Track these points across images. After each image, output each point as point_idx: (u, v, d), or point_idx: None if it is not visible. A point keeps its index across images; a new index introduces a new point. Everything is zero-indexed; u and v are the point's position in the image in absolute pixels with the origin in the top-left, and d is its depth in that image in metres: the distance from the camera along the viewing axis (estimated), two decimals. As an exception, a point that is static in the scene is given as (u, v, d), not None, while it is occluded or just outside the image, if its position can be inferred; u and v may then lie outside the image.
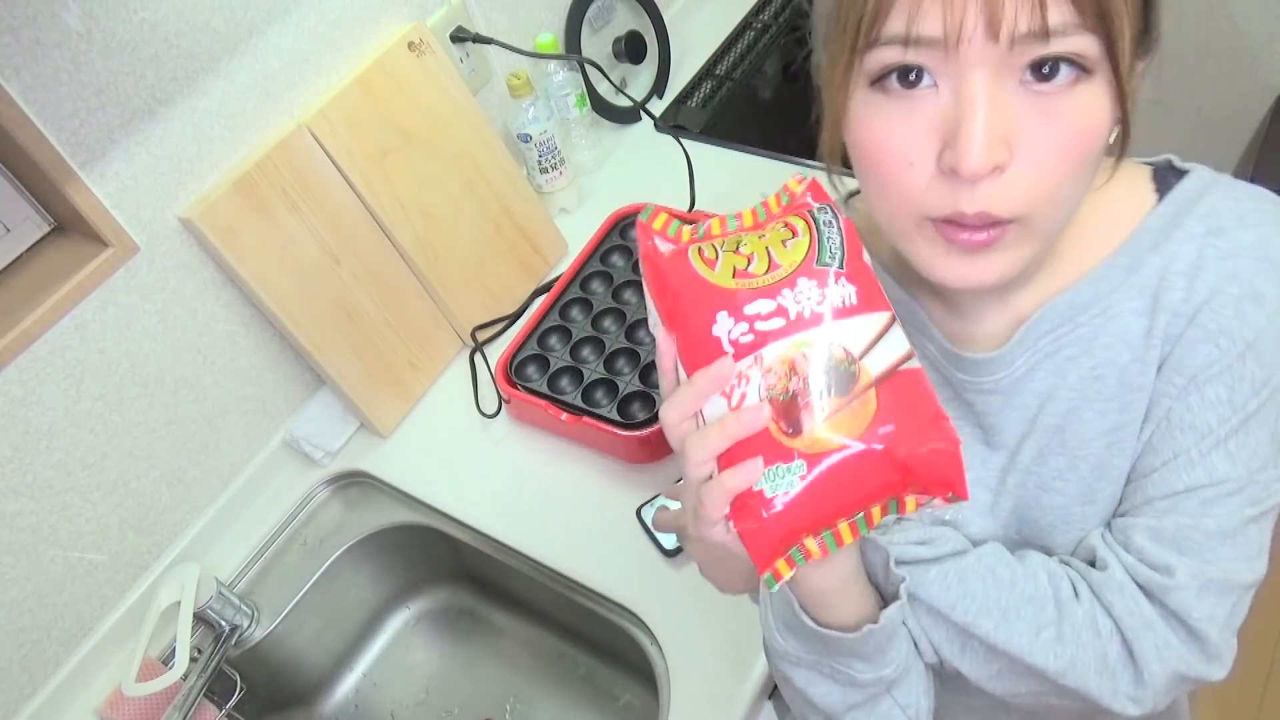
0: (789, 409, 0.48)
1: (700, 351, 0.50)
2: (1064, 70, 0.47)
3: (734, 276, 0.49)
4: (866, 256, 0.51)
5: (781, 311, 0.48)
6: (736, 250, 0.51)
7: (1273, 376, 0.56)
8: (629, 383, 1.11)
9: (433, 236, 1.18)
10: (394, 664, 1.24)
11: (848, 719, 0.62)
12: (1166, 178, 0.60)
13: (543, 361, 1.16)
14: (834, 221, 0.51)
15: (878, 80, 0.50)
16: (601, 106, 1.45)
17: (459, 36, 1.24)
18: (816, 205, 0.52)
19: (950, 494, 0.49)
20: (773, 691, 0.96)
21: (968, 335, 0.64)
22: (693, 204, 1.32)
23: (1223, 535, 0.57)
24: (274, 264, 1.05)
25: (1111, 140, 0.53)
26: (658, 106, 1.52)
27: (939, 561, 0.62)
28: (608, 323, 1.18)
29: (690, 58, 1.60)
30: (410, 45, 1.13)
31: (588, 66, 1.36)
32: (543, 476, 1.12)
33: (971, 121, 0.47)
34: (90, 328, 0.95)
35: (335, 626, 1.19)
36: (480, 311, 1.25)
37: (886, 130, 0.51)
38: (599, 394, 1.11)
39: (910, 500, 0.50)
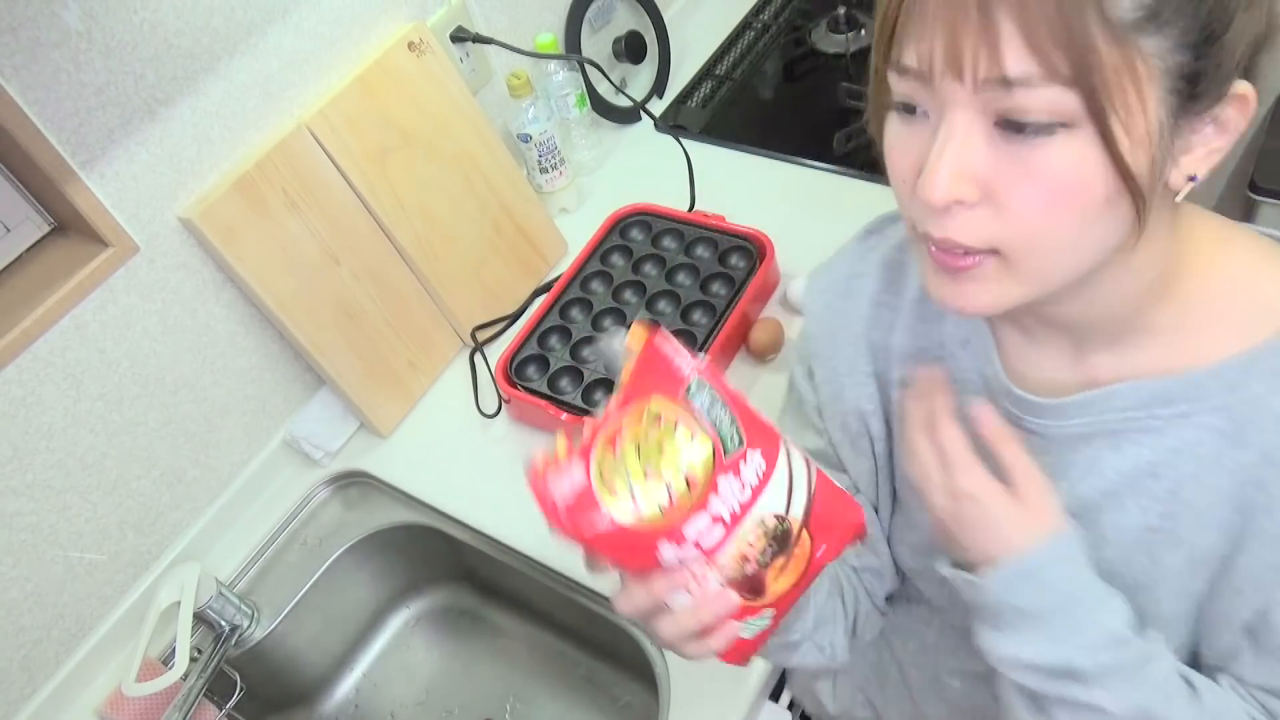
0: (750, 582, 0.54)
1: (651, 572, 0.53)
2: (1034, 123, 0.46)
3: (661, 511, 0.50)
4: (728, 381, 0.54)
5: (718, 519, 0.52)
6: (642, 466, 0.50)
7: None
8: (629, 383, 1.11)
9: (433, 236, 1.18)
10: (394, 664, 1.24)
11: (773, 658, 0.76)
12: None
13: (543, 361, 1.16)
14: (709, 393, 0.52)
15: (897, 102, 0.52)
16: (601, 106, 1.45)
17: (459, 36, 1.24)
18: (687, 386, 0.52)
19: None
20: (773, 691, 0.96)
21: (1033, 372, 0.63)
22: (693, 204, 1.32)
23: None
24: (274, 264, 1.05)
25: (1182, 190, 0.50)
26: (658, 106, 1.52)
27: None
28: (608, 323, 1.18)
29: (690, 58, 1.60)
30: (410, 45, 1.13)
31: (588, 66, 1.36)
32: (543, 476, 1.11)
33: (936, 157, 0.48)
34: (90, 328, 0.95)
35: (335, 626, 1.19)
36: (480, 311, 1.25)
37: (892, 150, 0.54)
38: (599, 394, 1.11)
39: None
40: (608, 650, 1.15)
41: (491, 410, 1.19)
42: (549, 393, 1.12)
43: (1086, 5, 0.44)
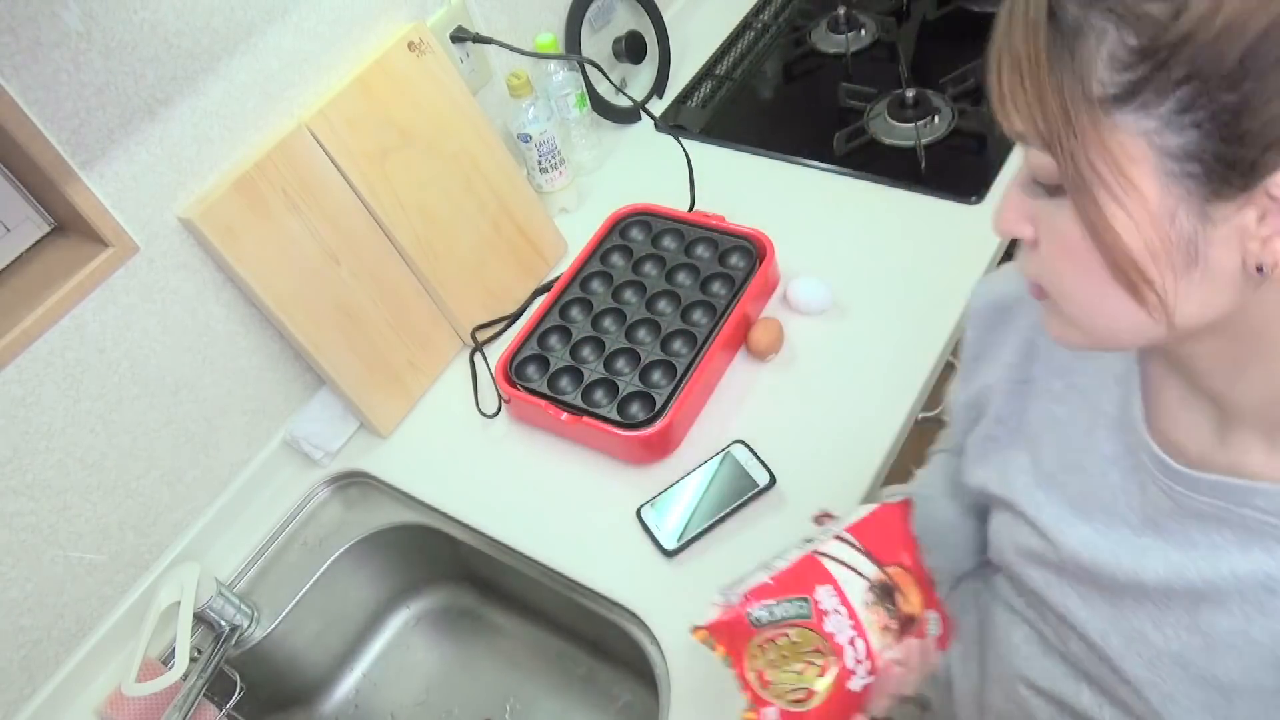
0: (903, 623, 0.69)
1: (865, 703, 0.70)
2: (1043, 182, 0.49)
3: (833, 680, 0.68)
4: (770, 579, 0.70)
5: (852, 640, 0.67)
6: (792, 676, 0.69)
7: None
8: (629, 383, 1.11)
9: (433, 236, 1.18)
10: (394, 664, 1.24)
11: None
12: None
13: (543, 361, 1.16)
14: (760, 609, 0.69)
15: None
16: (601, 106, 1.45)
17: (459, 36, 1.24)
18: (750, 621, 0.69)
19: None
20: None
21: (1177, 433, 0.60)
22: (693, 204, 1.32)
23: None
24: (274, 264, 1.05)
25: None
26: (658, 106, 1.52)
27: None
28: (608, 323, 1.18)
29: (690, 58, 1.60)
30: (410, 45, 1.13)
31: (588, 66, 1.36)
32: (543, 476, 1.12)
33: (1004, 193, 0.54)
34: (90, 328, 0.95)
35: (335, 626, 1.19)
36: (480, 311, 1.25)
37: None
38: (599, 394, 1.11)
39: None
40: (608, 650, 1.15)
41: (491, 410, 1.19)
42: (549, 393, 1.12)
43: (1065, 76, 0.44)
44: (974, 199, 1.24)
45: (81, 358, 0.95)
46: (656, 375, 1.11)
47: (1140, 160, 0.44)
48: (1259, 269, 0.46)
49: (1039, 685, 0.73)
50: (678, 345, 1.13)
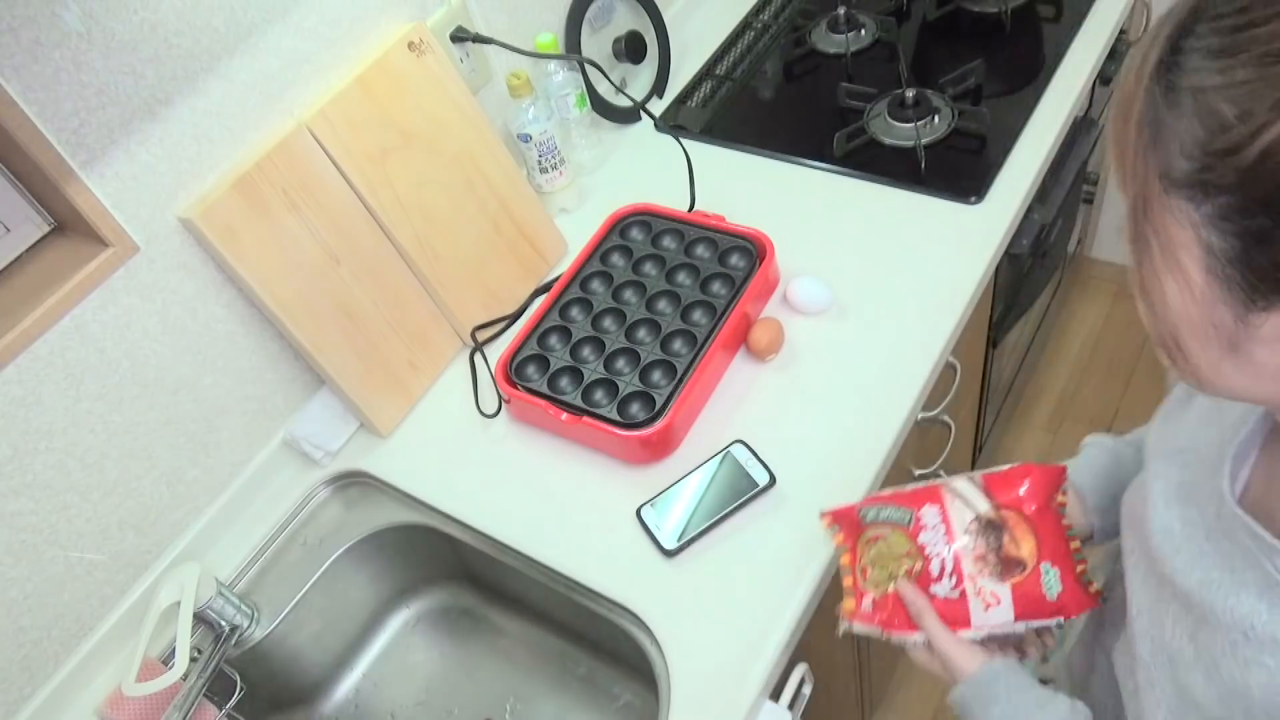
0: (1005, 564, 0.75)
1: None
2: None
3: (909, 575, 0.78)
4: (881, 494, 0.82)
5: (939, 553, 0.76)
6: (889, 567, 0.78)
7: None
8: (629, 383, 1.11)
9: (433, 236, 1.18)
10: (394, 664, 1.24)
11: None
12: None
13: (543, 361, 1.16)
14: (874, 510, 0.79)
15: None
16: (601, 106, 1.45)
17: (459, 36, 1.24)
18: (862, 517, 0.80)
19: None
20: (773, 691, 0.96)
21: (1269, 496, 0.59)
22: (693, 204, 1.32)
23: None
24: (274, 264, 1.05)
25: None
26: (658, 106, 1.52)
27: None
28: (608, 323, 1.18)
29: (690, 58, 1.60)
30: (410, 45, 1.14)
31: (588, 66, 1.36)
32: (543, 476, 1.12)
33: None
34: (90, 328, 0.95)
35: (335, 626, 1.19)
36: (480, 311, 1.25)
37: None
38: (599, 394, 1.11)
39: None
40: (608, 650, 1.15)
41: (491, 410, 1.19)
42: (549, 393, 1.12)
43: (1149, 152, 0.45)
44: (974, 199, 1.24)
45: (81, 358, 0.95)
46: (656, 375, 1.11)
47: (1189, 247, 0.45)
48: None
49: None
50: (678, 345, 1.13)
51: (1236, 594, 0.55)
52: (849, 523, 0.81)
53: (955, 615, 0.75)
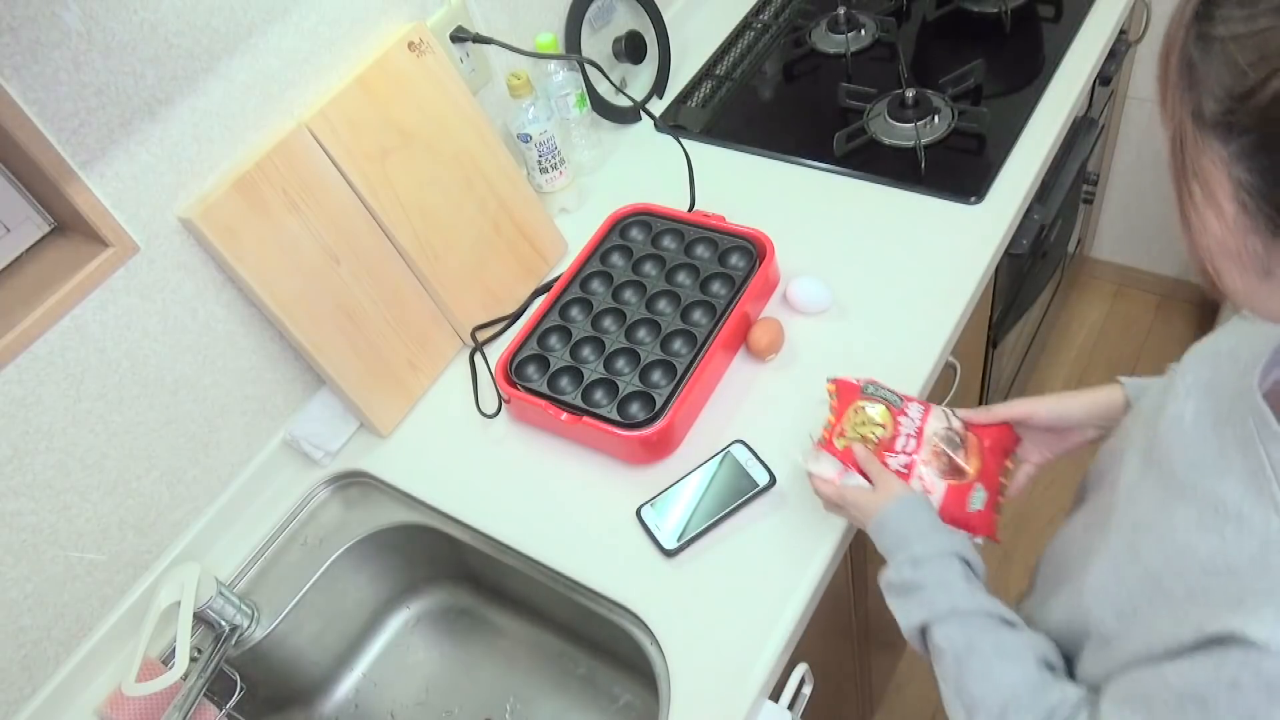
0: (952, 467, 0.89)
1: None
2: None
3: (877, 440, 0.90)
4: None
5: (910, 435, 0.90)
6: (859, 430, 0.91)
7: None
8: (629, 383, 1.11)
9: (433, 236, 1.18)
10: (394, 664, 1.24)
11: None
12: None
13: (543, 361, 1.16)
14: (874, 387, 0.94)
15: None
16: (601, 106, 1.45)
17: (459, 36, 1.24)
18: (862, 389, 0.94)
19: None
20: (773, 691, 0.96)
21: None
22: (692, 204, 1.32)
23: None
24: (274, 264, 1.05)
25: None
26: (658, 106, 1.53)
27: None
28: (608, 323, 1.18)
29: (690, 58, 1.60)
30: (410, 45, 1.14)
31: (588, 66, 1.36)
32: (543, 477, 1.12)
33: None
34: (90, 328, 0.95)
35: (335, 626, 1.19)
36: (480, 311, 1.25)
37: None
38: (599, 394, 1.11)
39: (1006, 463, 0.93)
40: (607, 650, 1.15)
41: (491, 410, 1.19)
42: (549, 393, 1.12)
43: (1185, 93, 0.48)
44: (974, 199, 1.24)
45: (81, 358, 0.95)
46: (656, 375, 1.11)
47: (1221, 181, 0.49)
48: None
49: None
50: (678, 345, 1.13)
51: (1221, 479, 0.58)
52: (847, 389, 0.94)
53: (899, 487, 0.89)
